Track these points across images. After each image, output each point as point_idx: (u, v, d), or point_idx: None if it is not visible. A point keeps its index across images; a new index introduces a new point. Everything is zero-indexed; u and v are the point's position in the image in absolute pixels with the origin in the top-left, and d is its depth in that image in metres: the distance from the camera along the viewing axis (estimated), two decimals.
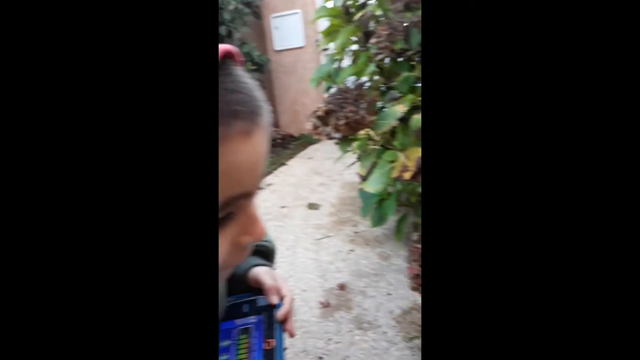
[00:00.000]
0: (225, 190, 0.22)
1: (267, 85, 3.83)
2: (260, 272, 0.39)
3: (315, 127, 1.09)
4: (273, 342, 0.32)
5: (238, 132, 0.22)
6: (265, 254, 0.45)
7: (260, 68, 3.46)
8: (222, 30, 3.05)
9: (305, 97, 3.81)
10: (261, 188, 0.26)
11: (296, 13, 3.64)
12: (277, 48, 3.81)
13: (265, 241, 0.45)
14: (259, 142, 0.24)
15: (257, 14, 3.71)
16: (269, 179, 2.76)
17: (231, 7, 3.09)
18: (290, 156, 3.29)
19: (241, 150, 0.22)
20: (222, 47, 0.23)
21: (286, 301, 0.37)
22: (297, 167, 2.99)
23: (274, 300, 0.36)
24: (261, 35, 3.82)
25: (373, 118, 1.01)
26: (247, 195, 0.24)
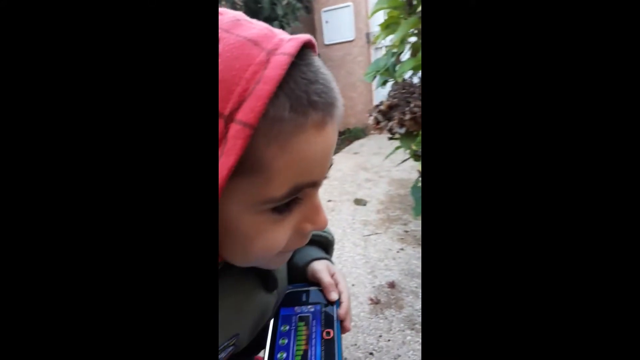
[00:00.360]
0: (296, 177, 0.22)
1: None
2: (320, 269, 0.39)
3: (377, 122, 1.07)
4: (332, 333, 0.33)
5: (313, 122, 0.22)
6: (325, 245, 0.45)
7: None
8: (275, 25, 3.11)
9: (352, 92, 3.78)
10: (326, 178, 0.26)
11: (347, 6, 3.60)
12: (327, 42, 3.81)
13: (325, 232, 0.45)
14: (331, 134, 0.24)
15: (309, 9, 3.73)
16: None
17: (284, 2, 3.14)
18: (336, 151, 3.28)
19: (314, 140, 0.22)
20: (303, 36, 0.23)
21: (344, 298, 0.37)
22: (343, 162, 2.98)
23: (333, 296, 0.36)
24: (311, 29, 3.84)
25: None
26: (315, 185, 0.25)
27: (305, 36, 0.23)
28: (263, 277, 0.34)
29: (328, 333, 0.33)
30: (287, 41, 0.22)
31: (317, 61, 0.24)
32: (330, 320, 0.34)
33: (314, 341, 0.32)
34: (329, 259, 0.42)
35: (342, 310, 0.36)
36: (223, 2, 2.68)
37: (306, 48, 0.23)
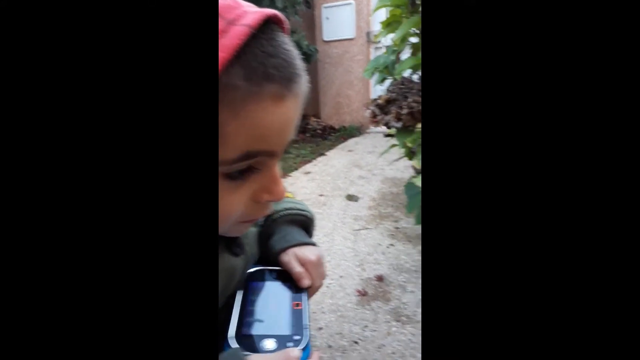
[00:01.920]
0: (248, 143, 0.23)
1: (312, 75, 3.85)
2: (287, 260, 0.38)
3: (374, 115, 1.09)
4: (301, 305, 0.34)
5: (270, 94, 0.23)
6: (305, 223, 0.44)
7: (307, 58, 3.49)
8: None
9: (349, 89, 3.80)
10: (286, 152, 0.27)
11: (349, 4, 3.61)
12: (326, 38, 3.81)
13: (304, 210, 0.44)
14: (291, 108, 0.24)
15: (309, 3, 3.72)
16: (307, 167, 2.79)
17: None
18: (330, 147, 3.30)
19: (271, 111, 0.23)
20: (267, 11, 0.23)
21: (315, 285, 0.38)
22: (337, 158, 3.00)
23: (303, 283, 0.36)
24: (311, 24, 3.84)
25: None
26: (272, 155, 0.25)
27: (270, 11, 0.24)
28: (228, 241, 0.35)
29: (297, 305, 0.34)
30: (250, 13, 0.23)
31: (282, 37, 0.24)
32: (299, 297, 0.35)
33: (283, 309, 0.33)
34: (306, 243, 0.41)
35: (309, 294, 0.37)
36: None
37: (272, 23, 0.24)
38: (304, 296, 0.35)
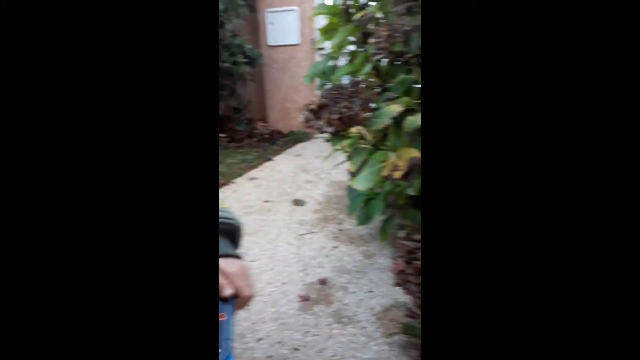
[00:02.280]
0: None
1: (259, 79, 3.80)
2: None
3: (307, 120, 1.10)
4: (224, 316, 0.34)
5: None
6: (231, 232, 0.43)
7: (251, 62, 3.43)
8: None
9: (296, 95, 3.81)
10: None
11: (293, 10, 3.63)
12: (271, 43, 3.79)
13: (230, 218, 0.43)
14: None
15: (252, 7, 3.68)
16: (253, 172, 2.73)
17: None
18: (277, 152, 3.27)
19: None
20: None
21: (243, 295, 0.38)
22: (284, 163, 2.98)
23: (224, 293, 0.36)
24: (254, 29, 3.79)
25: (366, 115, 1.03)
26: None
27: None
28: None
29: (221, 317, 0.33)
30: None
31: None
32: (223, 309, 0.35)
33: None
34: (229, 255, 0.40)
35: (238, 305, 0.36)
36: None
37: None
38: (229, 307, 0.35)
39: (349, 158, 1.44)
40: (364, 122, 1.03)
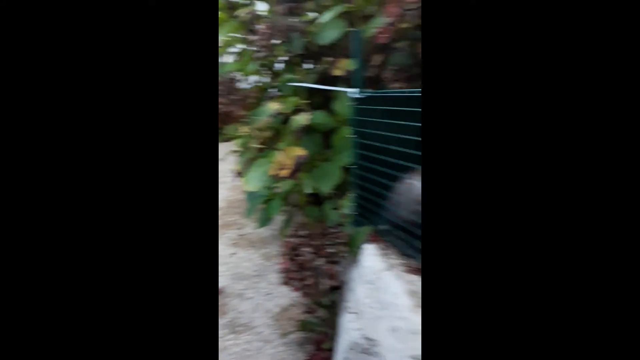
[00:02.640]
0: None
1: None
2: None
3: None
4: None
5: None
6: None
7: None
8: None
9: None
10: None
11: None
12: None
13: None
14: None
15: None
16: None
17: None
18: None
19: None
20: None
21: None
22: None
23: None
24: None
25: (244, 113, 1.00)
26: None
27: None
28: None
29: None
30: None
31: None
32: None
33: None
34: None
35: None
36: None
37: None
38: None
39: (240, 157, 1.38)
40: (241, 120, 0.99)
